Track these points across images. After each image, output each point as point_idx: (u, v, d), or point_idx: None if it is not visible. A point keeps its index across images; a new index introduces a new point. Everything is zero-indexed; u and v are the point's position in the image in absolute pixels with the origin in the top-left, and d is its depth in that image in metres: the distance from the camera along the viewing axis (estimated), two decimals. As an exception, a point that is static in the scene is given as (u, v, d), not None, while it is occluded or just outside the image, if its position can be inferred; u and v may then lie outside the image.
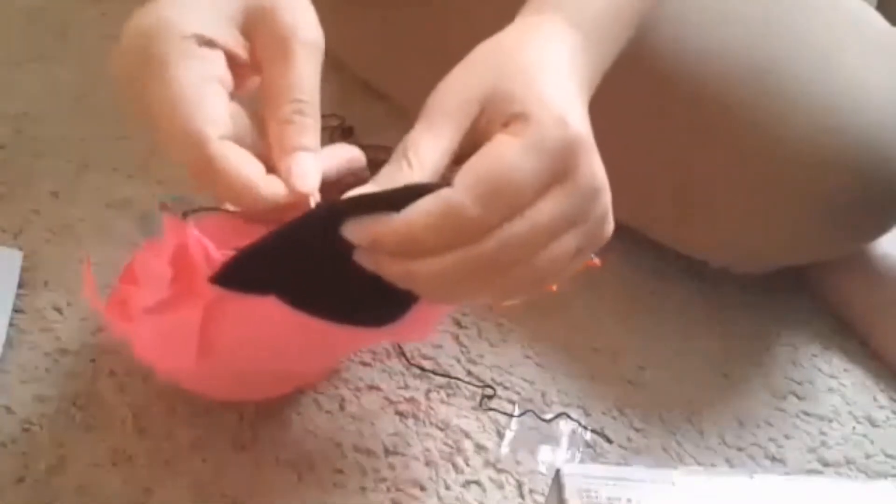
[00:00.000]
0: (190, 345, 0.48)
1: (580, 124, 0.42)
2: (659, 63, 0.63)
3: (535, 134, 0.40)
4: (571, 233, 0.42)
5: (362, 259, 0.42)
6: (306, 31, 0.44)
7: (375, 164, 0.45)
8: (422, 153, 0.42)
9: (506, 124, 0.41)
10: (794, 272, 0.72)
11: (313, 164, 0.43)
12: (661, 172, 0.65)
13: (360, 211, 0.41)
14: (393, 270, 0.42)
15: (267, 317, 0.47)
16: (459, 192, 0.39)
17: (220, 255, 0.45)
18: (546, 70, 0.44)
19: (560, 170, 0.41)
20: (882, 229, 0.64)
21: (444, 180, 0.42)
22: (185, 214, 0.54)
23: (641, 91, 0.64)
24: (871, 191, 0.59)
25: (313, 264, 0.44)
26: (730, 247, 0.66)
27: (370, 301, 0.46)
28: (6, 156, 0.73)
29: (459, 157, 0.42)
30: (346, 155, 0.48)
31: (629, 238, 0.72)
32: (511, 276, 0.41)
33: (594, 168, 0.42)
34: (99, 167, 0.73)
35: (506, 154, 0.40)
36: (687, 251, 0.69)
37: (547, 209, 0.41)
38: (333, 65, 0.83)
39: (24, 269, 0.65)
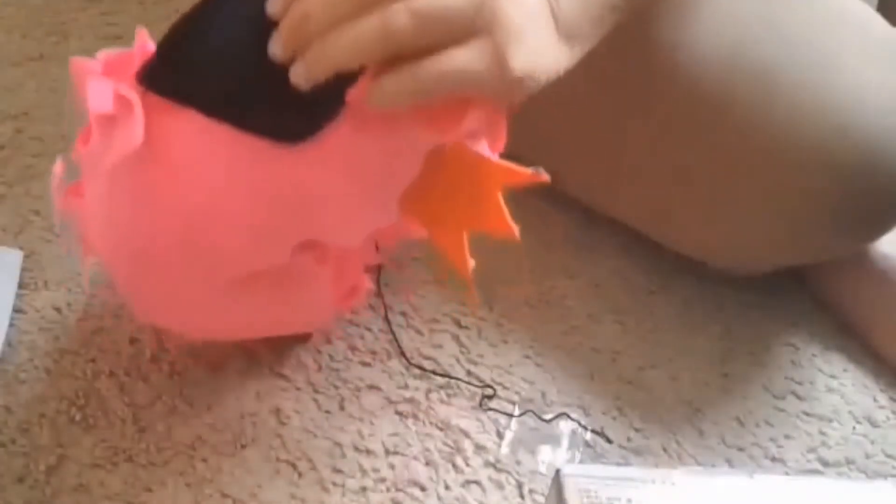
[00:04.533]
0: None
1: None
2: (660, 64, 0.63)
3: None
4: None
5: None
6: None
7: None
8: None
9: None
10: (794, 272, 0.71)
11: None
12: (661, 173, 0.65)
13: None
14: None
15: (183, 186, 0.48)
16: None
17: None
18: None
19: None
20: (882, 230, 0.64)
21: None
22: None
23: (642, 92, 0.64)
24: (871, 192, 0.59)
25: (233, 48, 0.46)
26: (730, 247, 0.66)
27: (279, 99, 0.46)
28: (6, 156, 0.73)
29: None
30: None
31: (629, 238, 0.72)
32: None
33: None
34: (99, 167, 0.73)
35: None
36: (687, 251, 0.69)
37: None
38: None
39: (24, 269, 0.65)
